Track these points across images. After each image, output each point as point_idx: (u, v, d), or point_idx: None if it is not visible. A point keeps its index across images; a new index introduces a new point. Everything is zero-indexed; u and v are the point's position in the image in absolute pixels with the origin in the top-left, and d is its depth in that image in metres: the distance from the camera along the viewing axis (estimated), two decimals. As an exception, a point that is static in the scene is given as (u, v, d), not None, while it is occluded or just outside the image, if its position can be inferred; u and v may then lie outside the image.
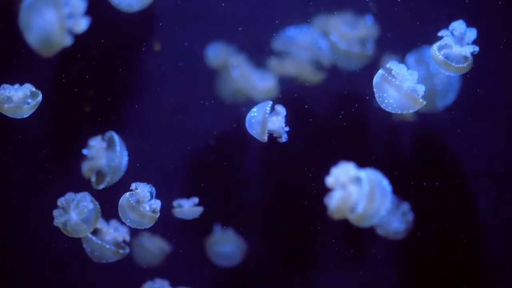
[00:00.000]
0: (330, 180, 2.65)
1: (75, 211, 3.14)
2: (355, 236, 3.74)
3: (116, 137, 3.34)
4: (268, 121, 2.98)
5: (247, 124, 3.06)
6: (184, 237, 3.88)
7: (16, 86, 2.99)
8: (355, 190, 2.59)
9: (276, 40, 3.61)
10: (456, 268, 3.77)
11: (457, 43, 2.89)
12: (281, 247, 3.89)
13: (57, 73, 3.62)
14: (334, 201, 2.60)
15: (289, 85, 3.70)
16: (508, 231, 3.69)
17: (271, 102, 2.99)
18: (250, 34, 3.68)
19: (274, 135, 3.04)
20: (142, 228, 3.19)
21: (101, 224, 3.32)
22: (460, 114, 3.57)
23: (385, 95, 2.86)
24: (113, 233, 3.33)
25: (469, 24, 2.93)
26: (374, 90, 2.91)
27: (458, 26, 2.89)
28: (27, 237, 3.81)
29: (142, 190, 3.11)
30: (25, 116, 2.99)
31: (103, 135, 3.39)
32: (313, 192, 3.69)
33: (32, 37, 2.67)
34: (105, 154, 3.36)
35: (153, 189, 3.12)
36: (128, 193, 3.11)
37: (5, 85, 2.98)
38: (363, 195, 2.57)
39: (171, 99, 3.78)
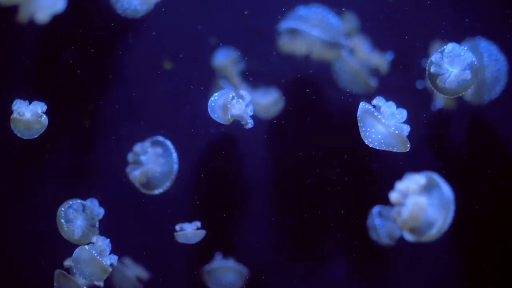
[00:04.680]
0: (394, 195, 2.52)
1: (86, 219, 3.18)
2: (355, 228, 3.66)
3: (169, 143, 3.43)
4: (229, 104, 2.98)
5: (209, 108, 3.06)
6: (184, 260, 3.86)
7: (26, 102, 3.11)
8: (426, 199, 2.51)
9: (286, 20, 3.61)
10: (460, 261, 3.75)
11: (451, 65, 2.89)
12: (284, 236, 3.86)
13: (55, 58, 3.69)
14: (408, 210, 2.48)
15: (291, 71, 3.73)
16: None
17: (235, 91, 3.02)
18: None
19: (242, 122, 3.04)
20: (95, 282, 3.16)
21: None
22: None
23: (373, 130, 2.86)
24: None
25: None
26: (359, 124, 2.90)
27: (452, 49, 2.88)
28: (21, 227, 3.79)
29: (103, 243, 3.10)
30: (35, 136, 3.10)
31: (150, 139, 3.46)
32: (316, 176, 3.72)
33: None
34: (159, 159, 3.43)
35: (110, 244, 3.12)
36: (86, 246, 3.08)
37: (19, 100, 3.09)
38: (440, 202, 2.50)
39: (170, 89, 3.78)
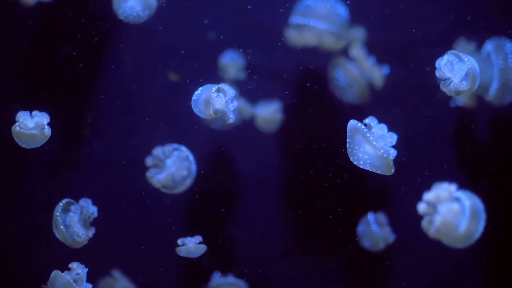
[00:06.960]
0: (422, 206, 2.54)
1: (83, 219, 3.20)
2: (356, 224, 3.65)
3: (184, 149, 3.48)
4: (211, 99, 2.96)
5: (192, 103, 3.04)
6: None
7: (27, 113, 3.05)
8: (458, 206, 2.53)
9: (293, 11, 3.63)
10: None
11: (450, 71, 2.90)
12: (284, 230, 3.87)
13: (55, 51, 3.69)
14: (441, 217, 2.50)
15: (294, 65, 3.77)
16: None
17: (217, 86, 2.98)
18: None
19: (225, 118, 3.02)
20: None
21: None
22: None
23: (361, 149, 2.85)
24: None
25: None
26: (348, 140, 2.88)
27: (446, 62, 2.86)
28: (21, 223, 3.79)
29: (82, 271, 3.05)
30: (38, 146, 3.05)
31: (169, 144, 3.47)
32: (317, 171, 3.75)
33: None
34: (184, 163, 3.46)
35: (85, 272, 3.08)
36: (64, 272, 3.03)
37: (24, 112, 3.03)
38: (467, 210, 2.52)
39: (172, 84, 3.79)
